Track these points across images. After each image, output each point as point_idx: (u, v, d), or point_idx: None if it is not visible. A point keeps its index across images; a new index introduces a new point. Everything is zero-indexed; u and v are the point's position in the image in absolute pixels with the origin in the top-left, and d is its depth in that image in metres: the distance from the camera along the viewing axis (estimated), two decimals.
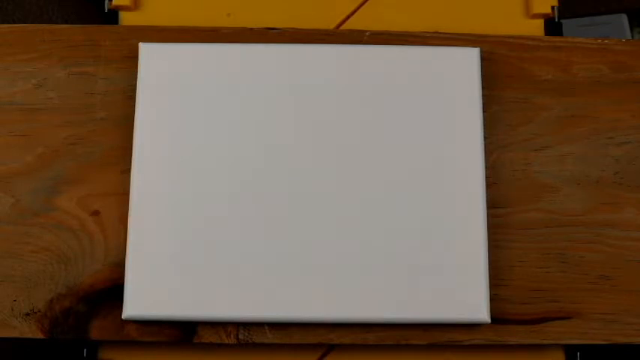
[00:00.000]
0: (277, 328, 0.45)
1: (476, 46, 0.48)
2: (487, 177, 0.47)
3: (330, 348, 0.47)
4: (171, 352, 0.47)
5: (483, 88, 0.47)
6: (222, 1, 0.53)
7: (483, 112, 0.47)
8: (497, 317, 0.45)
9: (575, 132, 0.49)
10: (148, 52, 0.47)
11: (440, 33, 0.50)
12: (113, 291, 0.45)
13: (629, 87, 0.49)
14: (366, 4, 0.53)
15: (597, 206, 0.47)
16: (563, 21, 0.52)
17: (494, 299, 0.45)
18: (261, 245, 0.44)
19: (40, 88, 0.48)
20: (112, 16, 0.52)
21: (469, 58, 0.47)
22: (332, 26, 0.52)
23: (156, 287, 0.44)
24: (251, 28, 0.50)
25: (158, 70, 0.47)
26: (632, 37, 0.78)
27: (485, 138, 0.47)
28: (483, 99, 0.47)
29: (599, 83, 0.49)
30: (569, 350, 0.47)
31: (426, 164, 0.46)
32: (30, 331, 0.45)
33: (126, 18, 0.52)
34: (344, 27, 0.52)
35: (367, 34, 0.50)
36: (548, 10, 0.52)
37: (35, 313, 0.45)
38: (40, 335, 0.45)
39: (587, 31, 0.77)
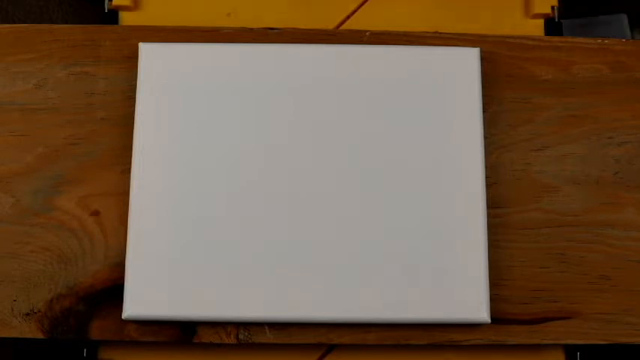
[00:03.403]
0: (277, 328, 0.45)
1: (476, 46, 0.48)
2: (487, 177, 0.47)
3: (330, 348, 0.47)
4: (171, 352, 0.47)
5: (483, 88, 0.47)
6: (222, 1, 0.53)
7: (483, 112, 0.47)
8: (497, 317, 0.45)
9: (575, 132, 0.49)
10: (148, 52, 0.47)
11: (440, 33, 0.50)
12: (113, 291, 0.45)
13: (629, 87, 0.49)
14: (366, 4, 0.53)
15: (597, 206, 0.47)
16: (563, 21, 0.52)
17: (494, 299, 0.45)
18: (261, 245, 0.44)
19: (40, 88, 0.48)
20: (112, 16, 0.52)
21: (469, 58, 0.47)
22: (332, 26, 0.52)
23: (156, 287, 0.44)
24: (251, 28, 0.50)
25: (158, 70, 0.47)
26: (632, 37, 0.78)
27: (485, 138, 0.47)
28: (483, 99, 0.47)
29: (599, 83, 0.49)
30: (569, 350, 0.47)
31: (426, 164, 0.46)
32: (30, 331, 0.45)
33: (126, 18, 0.52)
34: (344, 27, 0.52)
35: (367, 34, 0.50)
36: (548, 10, 0.52)
37: (35, 313, 0.45)
38: (40, 335, 0.45)
39: (587, 31, 0.77)
